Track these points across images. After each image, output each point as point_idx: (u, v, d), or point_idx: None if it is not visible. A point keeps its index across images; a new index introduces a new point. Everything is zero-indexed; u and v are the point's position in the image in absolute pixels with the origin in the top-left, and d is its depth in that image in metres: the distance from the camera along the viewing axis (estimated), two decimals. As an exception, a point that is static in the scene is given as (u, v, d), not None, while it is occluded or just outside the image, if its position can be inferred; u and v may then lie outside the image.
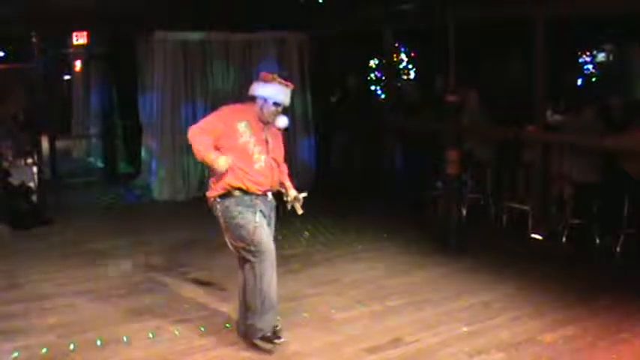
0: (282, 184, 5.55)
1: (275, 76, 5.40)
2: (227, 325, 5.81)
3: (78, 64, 15.66)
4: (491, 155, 9.75)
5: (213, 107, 11.46)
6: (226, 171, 5.16)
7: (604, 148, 8.14)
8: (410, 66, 15.94)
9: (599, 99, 8.95)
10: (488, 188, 9.59)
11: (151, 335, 5.64)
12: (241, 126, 5.24)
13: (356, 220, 9.48)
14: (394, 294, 6.59)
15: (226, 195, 5.24)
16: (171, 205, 10.86)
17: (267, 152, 5.33)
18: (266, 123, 5.36)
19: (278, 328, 5.41)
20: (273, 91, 5.32)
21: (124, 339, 5.55)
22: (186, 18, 10.88)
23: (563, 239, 8.29)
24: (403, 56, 15.84)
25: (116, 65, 13.17)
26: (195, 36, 11.29)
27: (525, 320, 5.90)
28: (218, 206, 5.29)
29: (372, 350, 5.33)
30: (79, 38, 13.71)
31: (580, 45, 13.72)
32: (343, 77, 12.46)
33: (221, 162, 5.09)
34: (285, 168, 5.63)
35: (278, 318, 5.45)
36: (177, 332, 5.69)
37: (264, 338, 5.32)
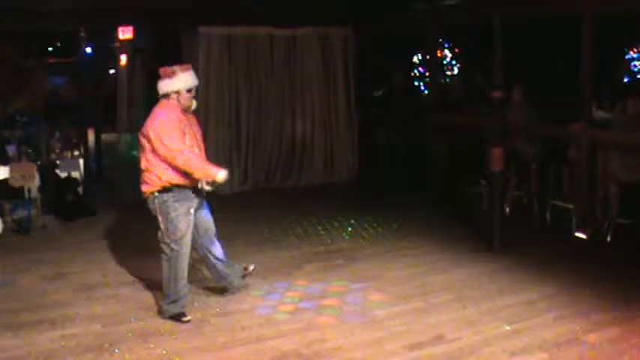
0: None
1: (174, 68, 5.83)
2: (269, 318, 5.86)
3: (123, 59, 15.84)
4: (536, 152, 9.64)
5: (257, 101, 11.70)
6: (165, 167, 5.60)
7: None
8: (454, 62, 15.87)
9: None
10: (533, 186, 9.48)
11: (193, 327, 5.71)
12: (183, 128, 5.67)
13: (399, 217, 9.43)
14: (436, 291, 6.57)
15: (165, 190, 5.67)
16: (213, 198, 10.87)
17: (198, 145, 5.84)
18: (188, 111, 5.82)
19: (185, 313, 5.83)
20: (182, 81, 5.76)
21: (167, 330, 5.63)
22: (231, 12, 10.92)
23: (608, 239, 8.15)
24: (447, 52, 15.79)
25: (161, 59, 13.28)
26: (239, 31, 11.35)
27: (569, 320, 5.82)
28: (156, 200, 5.73)
29: (414, 347, 5.32)
30: (125, 33, 13.85)
31: (627, 41, 13.53)
32: (387, 73, 12.41)
33: (222, 175, 5.71)
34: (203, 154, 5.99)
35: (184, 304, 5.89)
36: (219, 324, 5.75)
37: (172, 317, 5.79)
